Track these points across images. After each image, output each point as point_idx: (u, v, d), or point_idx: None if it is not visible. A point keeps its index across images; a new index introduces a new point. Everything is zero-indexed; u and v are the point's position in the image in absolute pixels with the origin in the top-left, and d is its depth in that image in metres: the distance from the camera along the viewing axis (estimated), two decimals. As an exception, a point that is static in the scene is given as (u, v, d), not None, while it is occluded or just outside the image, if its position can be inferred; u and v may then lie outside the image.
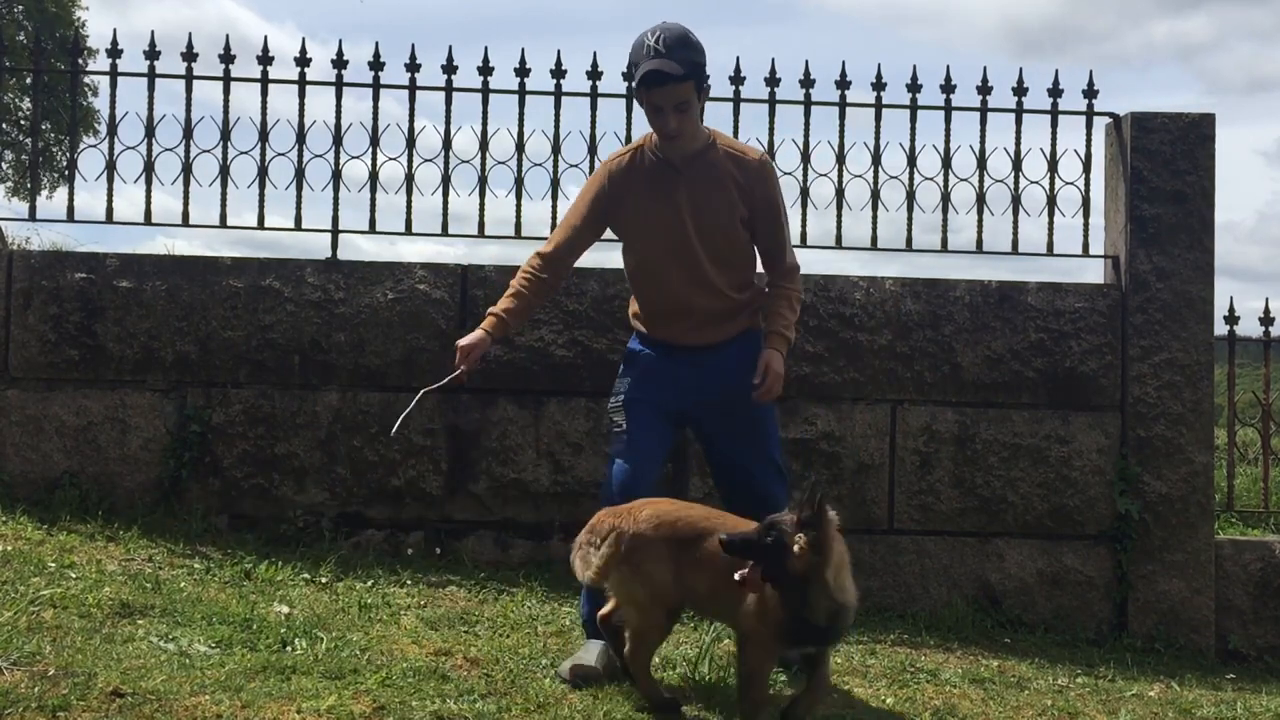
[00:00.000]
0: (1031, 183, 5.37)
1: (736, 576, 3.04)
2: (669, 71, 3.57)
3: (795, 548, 2.96)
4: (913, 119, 5.38)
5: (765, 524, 3.04)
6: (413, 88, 5.25)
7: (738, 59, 5.29)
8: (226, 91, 5.22)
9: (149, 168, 5.19)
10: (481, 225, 5.29)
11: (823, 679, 3.28)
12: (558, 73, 5.24)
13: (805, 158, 5.30)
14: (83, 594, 3.84)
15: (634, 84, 3.69)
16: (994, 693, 3.97)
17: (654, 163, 3.79)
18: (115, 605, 3.77)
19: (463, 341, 3.79)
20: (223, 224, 5.28)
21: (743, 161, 3.79)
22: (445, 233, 5.28)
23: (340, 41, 5.31)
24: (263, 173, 5.20)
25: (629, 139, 5.24)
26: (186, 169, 5.19)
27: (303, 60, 5.20)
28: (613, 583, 3.31)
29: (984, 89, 5.32)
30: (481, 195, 5.25)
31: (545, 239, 5.26)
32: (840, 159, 5.31)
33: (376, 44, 5.30)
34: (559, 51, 5.23)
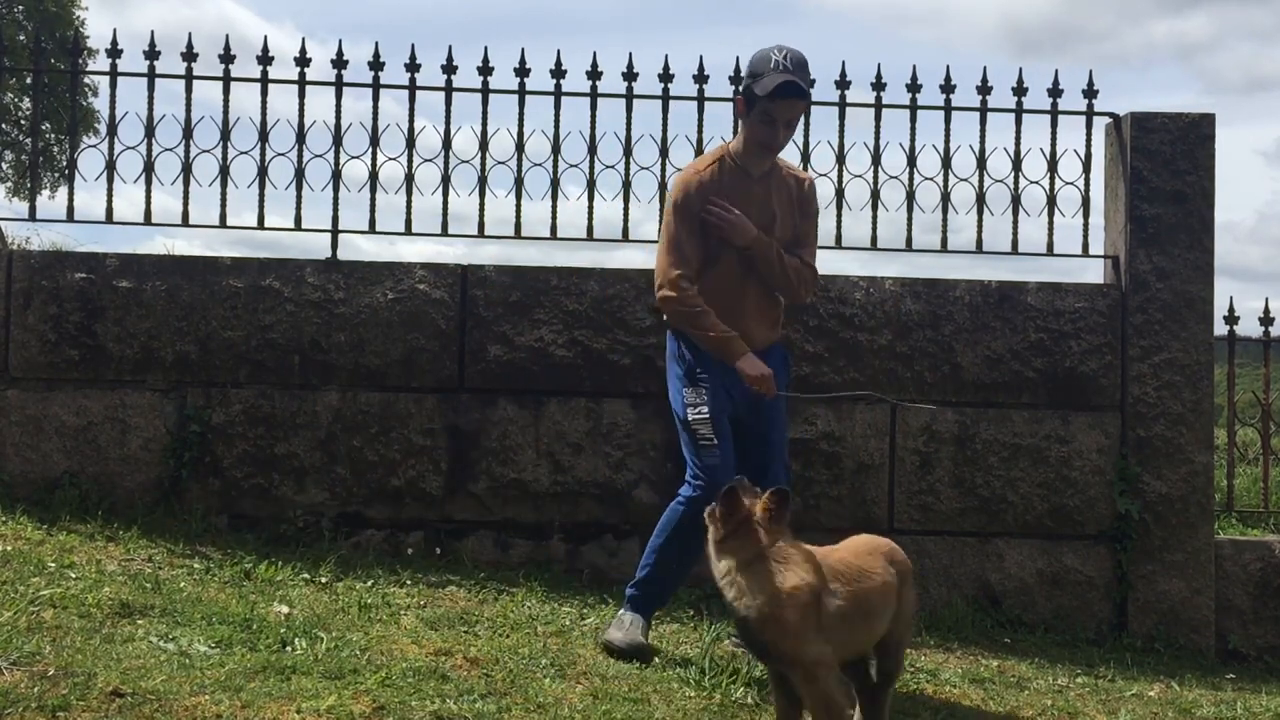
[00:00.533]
0: (1031, 183, 5.38)
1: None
2: (804, 87, 3.88)
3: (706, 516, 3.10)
4: (913, 119, 5.38)
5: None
6: (412, 88, 5.25)
7: (738, 59, 5.28)
8: (226, 91, 5.22)
9: (149, 168, 5.19)
10: (481, 225, 5.29)
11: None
12: (558, 73, 5.24)
13: (805, 157, 5.30)
14: (83, 594, 3.84)
15: (756, 91, 3.87)
16: (994, 693, 3.97)
17: (734, 173, 3.99)
18: (115, 605, 3.77)
19: (763, 371, 3.89)
20: (222, 224, 5.28)
21: (800, 181, 4.15)
22: (445, 233, 5.28)
23: (340, 41, 5.32)
24: (262, 173, 5.20)
25: (629, 139, 5.25)
26: (186, 169, 5.19)
27: (302, 60, 5.20)
28: None
29: (984, 89, 5.32)
30: (481, 195, 5.25)
31: (545, 239, 5.31)
32: (840, 159, 5.31)
33: (376, 44, 5.31)
34: (559, 51, 5.24)
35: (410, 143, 5.24)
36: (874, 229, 5.34)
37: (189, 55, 5.19)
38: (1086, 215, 5.39)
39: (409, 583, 4.60)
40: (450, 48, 5.26)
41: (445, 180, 5.24)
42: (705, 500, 3.62)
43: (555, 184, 5.27)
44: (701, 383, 3.94)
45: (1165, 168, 5.24)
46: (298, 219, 5.22)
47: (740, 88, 4.04)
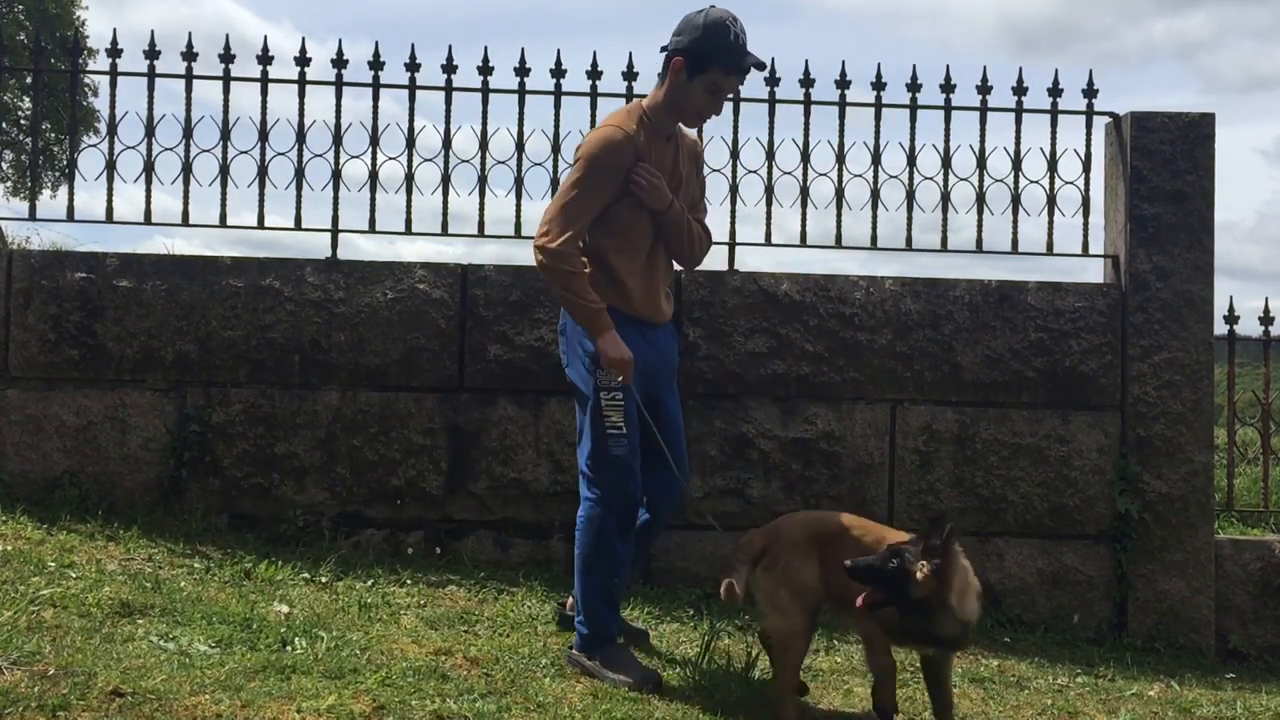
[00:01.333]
0: (1031, 182, 5.38)
1: (859, 602, 3.15)
2: (763, 65, 3.74)
3: (918, 574, 3.07)
4: (912, 118, 5.38)
5: (888, 551, 3.14)
6: (412, 87, 5.25)
7: (737, 58, 5.29)
8: (226, 91, 5.22)
9: (149, 167, 5.19)
10: (481, 225, 5.29)
11: (946, 681, 3.40)
12: (557, 72, 5.24)
13: (805, 157, 5.30)
14: (83, 594, 3.84)
15: (715, 62, 3.66)
16: (994, 692, 3.97)
17: (650, 133, 3.74)
18: (115, 605, 3.77)
19: (624, 355, 3.62)
20: (222, 224, 5.27)
21: (693, 141, 4.01)
22: (445, 232, 5.28)
23: (340, 41, 5.32)
24: (262, 172, 5.20)
25: (629, 138, 5.23)
26: (186, 169, 5.19)
27: (302, 60, 5.20)
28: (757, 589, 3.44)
29: (984, 89, 5.32)
30: (481, 195, 5.25)
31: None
32: (840, 158, 5.31)
33: (376, 44, 5.31)
34: (559, 51, 5.24)
35: (410, 142, 5.24)
36: (874, 228, 5.34)
37: (189, 55, 5.19)
38: (1086, 215, 5.39)
39: (409, 582, 4.60)
40: (450, 47, 5.27)
41: (445, 180, 5.24)
42: (622, 496, 3.62)
43: (555, 183, 5.26)
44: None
45: (1165, 167, 5.24)
46: (298, 219, 5.22)
47: (676, 47, 3.69)
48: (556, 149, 5.26)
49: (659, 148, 3.76)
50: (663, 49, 3.75)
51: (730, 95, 3.80)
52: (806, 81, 5.26)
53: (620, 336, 3.63)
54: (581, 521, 3.71)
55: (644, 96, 3.85)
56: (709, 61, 3.65)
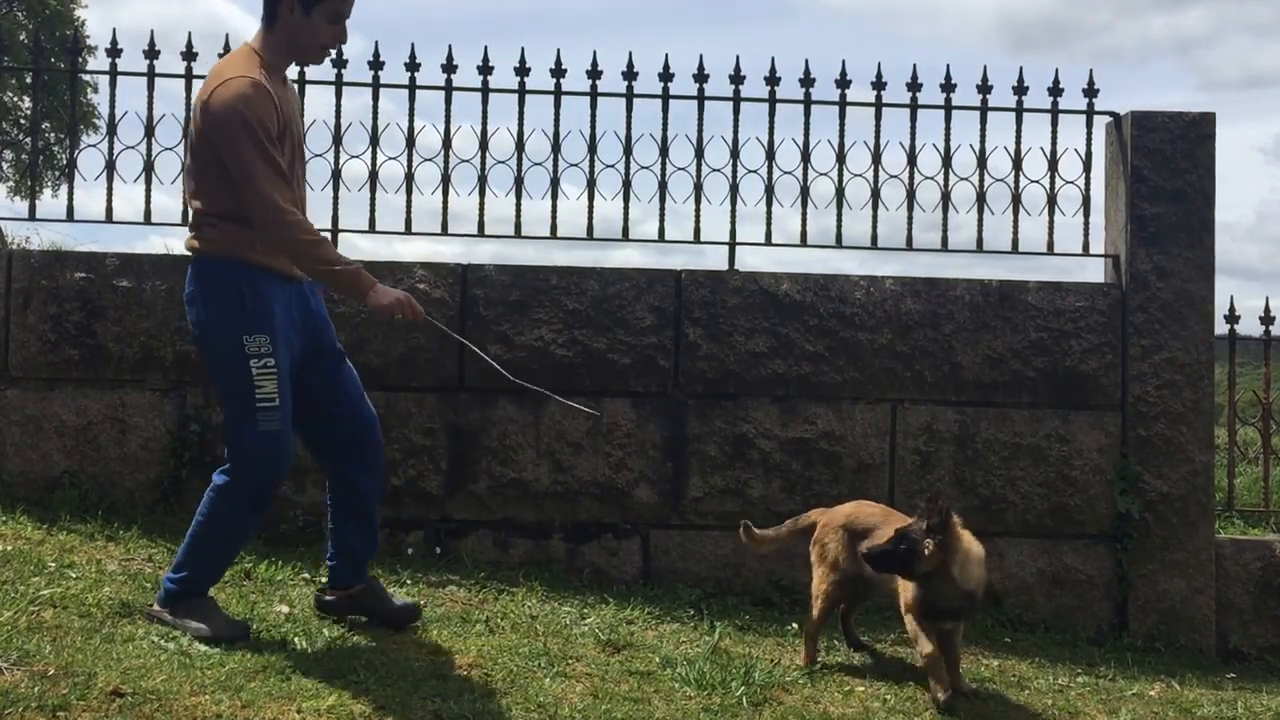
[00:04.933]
0: (1032, 182, 5.38)
1: (862, 550, 3.80)
2: None
3: (925, 552, 3.56)
4: (913, 118, 5.38)
5: (896, 535, 3.64)
6: (412, 87, 5.25)
7: (737, 58, 5.30)
8: (226, 91, 5.21)
9: (149, 167, 5.19)
10: (481, 224, 5.28)
11: (955, 647, 3.86)
12: (557, 72, 5.24)
13: (805, 157, 5.30)
14: (83, 594, 3.84)
15: None
16: (994, 692, 3.97)
17: (275, 77, 3.49)
18: (115, 605, 3.77)
19: (398, 295, 3.53)
20: (222, 223, 5.26)
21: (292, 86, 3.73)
22: (445, 232, 5.28)
23: (340, 41, 5.30)
24: (262, 172, 5.19)
25: (629, 138, 5.24)
26: (186, 168, 5.18)
27: (302, 59, 5.19)
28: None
29: (984, 88, 5.32)
30: (481, 194, 5.25)
31: (544, 238, 5.31)
32: (840, 158, 5.31)
33: (376, 43, 5.31)
34: (559, 51, 5.23)
35: (410, 142, 5.24)
36: (874, 228, 5.34)
37: (189, 55, 5.19)
38: (1087, 214, 5.39)
39: (409, 582, 4.60)
40: (450, 47, 5.27)
41: (445, 179, 5.24)
42: (267, 474, 3.50)
43: (555, 183, 5.27)
44: (264, 329, 3.41)
45: (1165, 167, 5.23)
46: (297, 218, 5.21)
47: None
48: (556, 148, 5.26)
49: (282, 93, 3.50)
50: None
51: (347, 16, 3.53)
52: (806, 81, 5.26)
53: (269, 296, 3.43)
54: (214, 490, 3.57)
55: (252, 41, 3.55)
56: None
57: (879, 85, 5.31)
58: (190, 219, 3.62)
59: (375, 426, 3.81)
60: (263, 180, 3.33)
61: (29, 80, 6.38)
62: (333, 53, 3.67)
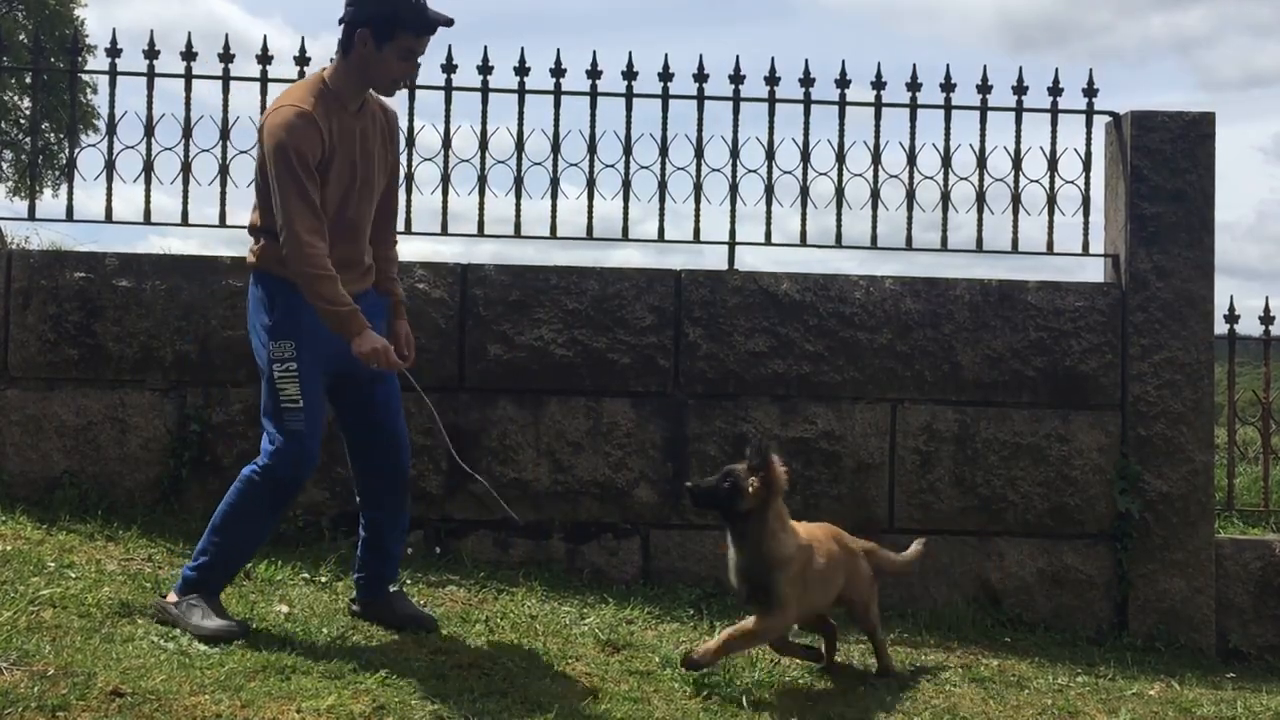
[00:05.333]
0: (1031, 181, 5.38)
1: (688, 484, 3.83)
2: (450, 20, 3.58)
3: (750, 489, 3.56)
4: (912, 118, 5.38)
5: (722, 473, 3.65)
6: (412, 86, 5.24)
7: (737, 58, 5.29)
8: (226, 91, 5.22)
9: (148, 167, 5.19)
10: (481, 224, 5.28)
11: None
12: (557, 71, 5.24)
13: (805, 157, 5.30)
14: (82, 594, 3.84)
15: (409, 21, 3.52)
16: (994, 692, 3.97)
17: (334, 107, 3.57)
18: (115, 605, 3.77)
19: (377, 344, 3.58)
20: (222, 223, 5.27)
21: (387, 111, 3.79)
22: (445, 232, 5.28)
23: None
24: (262, 172, 5.19)
25: (628, 138, 5.24)
26: (186, 168, 5.18)
27: (302, 59, 5.19)
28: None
29: (984, 88, 5.32)
30: (481, 194, 5.25)
31: (544, 238, 5.31)
32: (840, 158, 5.31)
33: (376, 43, 5.28)
34: (558, 51, 5.23)
35: (410, 141, 5.23)
36: (874, 228, 5.35)
37: (188, 55, 5.19)
38: (1087, 214, 5.39)
39: (409, 582, 4.59)
40: (450, 46, 5.28)
41: (445, 179, 5.24)
42: (289, 472, 3.61)
43: (555, 183, 5.27)
44: (290, 335, 3.57)
45: (1165, 166, 5.23)
46: (297, 218, 5.21)
47: (355, 18, 3.53)
48: (556, 148, 5.26)
49: (344, 121, 3.58)
50: (340, 20, 3.58)
51: (420, 54, 3.60)
52: (806, 81, 5.26)
53: (299, 307, 3.54)
54: (241, 481, 3.67)
55: (326, 68, 3.65)
56: (396, 28, 3.51)
57: (879, 85, 5.31)
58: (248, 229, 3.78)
59: (401, 448, 3.92)
60: (290, 208, 3.48)
61: (29, 80, 6.37)
62: (404, 86, 3.78)
